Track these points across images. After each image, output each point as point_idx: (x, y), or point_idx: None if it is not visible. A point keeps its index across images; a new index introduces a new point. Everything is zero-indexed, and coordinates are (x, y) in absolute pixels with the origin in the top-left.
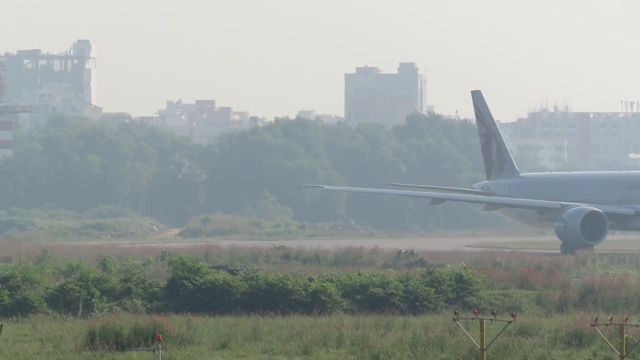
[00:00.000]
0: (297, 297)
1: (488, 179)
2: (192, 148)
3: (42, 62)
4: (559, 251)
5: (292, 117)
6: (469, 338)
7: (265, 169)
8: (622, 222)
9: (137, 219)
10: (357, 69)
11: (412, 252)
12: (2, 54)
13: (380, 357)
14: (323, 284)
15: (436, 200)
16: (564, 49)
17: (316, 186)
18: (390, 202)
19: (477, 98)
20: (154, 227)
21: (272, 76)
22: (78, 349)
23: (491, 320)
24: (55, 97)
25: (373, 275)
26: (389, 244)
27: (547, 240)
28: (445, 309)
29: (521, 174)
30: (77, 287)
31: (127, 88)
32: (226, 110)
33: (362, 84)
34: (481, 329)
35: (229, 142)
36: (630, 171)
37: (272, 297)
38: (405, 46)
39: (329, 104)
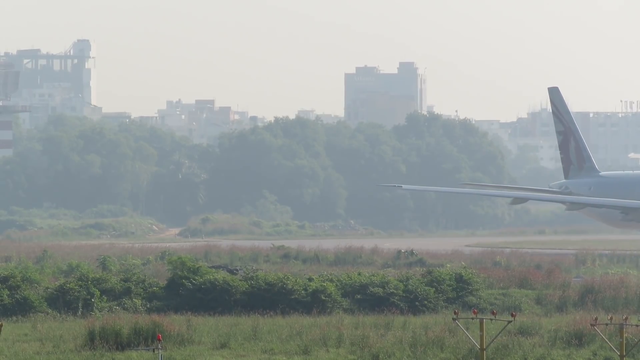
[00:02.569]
0: (297, 296)
1: (565, 178)
2: (192, 148)
3: (42, 62)
4: (559, 250)
5: (292, 117)
6: (469, 338)
7: (265, 169)
8: None
9: (136, 218)
10: (357, 68)
11: (412, 252)
12: (2, 54)
13: (380, 356)
14: (323, 283)
15: (517, 200)
16: (564, 49)
17: (394, 185)
18: (390, 202)
19: (554, 95)
20: (154, 226)
21: (272, 76)
22: (78, 349)
23: (491, 320)
24: (55, 97)
25: (373, 275)
26: (389, 243)
27: (546, 240)
28: (445, 308)
29: (601, 173)
30: (76, 287)
31: (127, 88)
32: (226, 110)
33: (362, 84)
34: (481, 329)
35: (228, 142)
36: None
37: (272, 297)
38: (405, 46)
39: (329, 103)
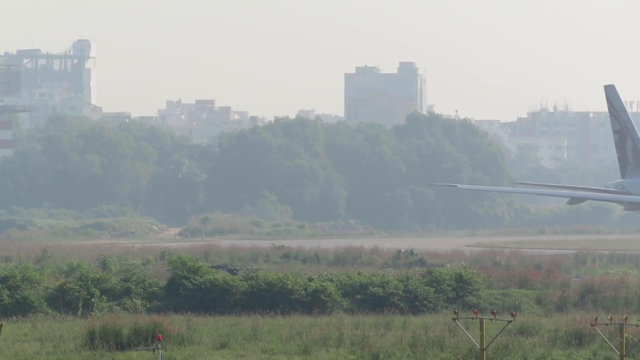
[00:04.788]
0: (297, 296)
1: (622, 177)
2: (192, 148)
3: (42, 61)
4: (559, 250)
5: (292, 116)
6: (469, 338)
7: (265, 169)
8: None
9: (136, 218)
10: (357, 68)
11: (412, 252)
12: (2, 54)
13: (380, 356)
14: (323, 283)
15: (575, 200)
16: (563, 48)
17: (449, 185)
18: (390, 202)
19: (611, 93)
20: (154, 226)
21: (272, 75)
22: (78, 349)
23: (491, 319)
24: (55, 97)
25: (373, 275)
26: (389, 243)
27: (546, 240)
28: (445, 308)
29: None
30: (76, 287)
31: (127, 88)
32: (226, 110)
33: (361, 84)
34: (481, 329)
35: (228, 141)
36: None
37: (272, 297)
38: (405, 45)
39: (329, 103)
